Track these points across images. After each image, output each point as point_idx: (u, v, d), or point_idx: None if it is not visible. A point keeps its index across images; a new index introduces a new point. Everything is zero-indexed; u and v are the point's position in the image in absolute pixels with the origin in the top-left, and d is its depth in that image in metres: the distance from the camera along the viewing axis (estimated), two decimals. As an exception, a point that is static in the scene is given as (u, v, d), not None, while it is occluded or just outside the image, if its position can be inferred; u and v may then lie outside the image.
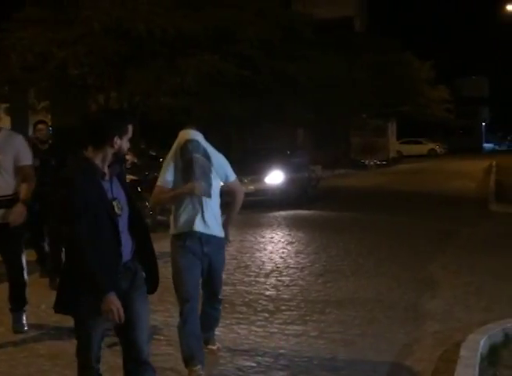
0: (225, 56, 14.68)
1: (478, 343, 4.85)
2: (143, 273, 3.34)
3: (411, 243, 9.92)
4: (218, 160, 4.46)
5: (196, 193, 4.29)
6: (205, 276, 4.52)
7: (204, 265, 4.45)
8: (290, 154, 17.46)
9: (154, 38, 13.69)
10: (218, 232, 4.50)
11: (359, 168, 29.81)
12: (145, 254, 3.36)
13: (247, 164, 14.74)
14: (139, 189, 11.12)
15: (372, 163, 31.29)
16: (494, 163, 28.95)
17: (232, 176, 4.55)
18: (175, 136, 4.52)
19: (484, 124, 60.30)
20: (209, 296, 4.66)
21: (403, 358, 4.87)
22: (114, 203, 3.19)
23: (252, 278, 7.51)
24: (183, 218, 4.38)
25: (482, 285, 7.13)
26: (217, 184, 4.43)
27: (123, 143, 3.25)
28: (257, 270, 7.95)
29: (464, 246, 9.70)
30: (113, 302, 3.08)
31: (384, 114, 32.68)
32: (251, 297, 6.62)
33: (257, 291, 6.88)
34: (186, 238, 4.36)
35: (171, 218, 4.51)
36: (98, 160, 3.20)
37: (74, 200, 3.10)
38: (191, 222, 4.36)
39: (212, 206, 4.42)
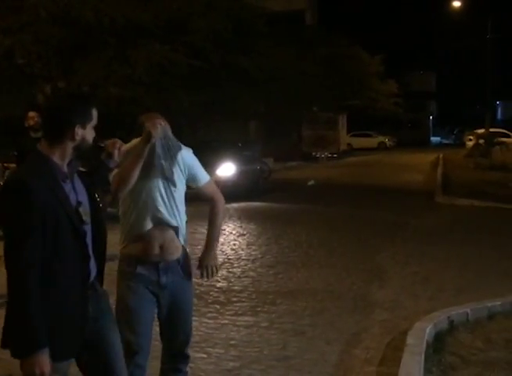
0: (177, 47, 14.53)
1: (424, 331, 4.97)
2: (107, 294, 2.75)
3: (360, 234, 10.07)
4: (188, 159, 3.43)
5: (154, 135, 3.17)
6: (164, 319, 3.35)
7: (163, 302, 3.30)
8: (242, 147, 17.48)
9: (103, 27, 13.43)
10: (184, 253, 3.39)
11: (310, 161, 30.06)
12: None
13: (198, 156, 14.61)
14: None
15: (323, 155, 31.59)
16: (441, 156, 29.66)
17: (205, 178, 3.51)
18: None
19: (431, 117, 61.69)
20: (171, 351, 3.40)
21: (352, 346, 4.95)
22: (80, 209, 2.56)
23: (203, 270, 7.48)
24: (135, 230, 3.27)
25: (429, 275, 7.31)
26: (182, 187, 3.38)
27: (86, 133, 2.60)
28: (208, 262, 7.92)
29: (412, 237, 9.91)
30: (41, 364, 2.37)
31: (335, 107, 33.01)
32: (202, 289, 6.60)
33: (208, 283, 6.85)
34: (138, 263, 3.25)
35: (119, 228, 3.35)
36: (56, 158, 2.53)
37: (26, 214, 2.38)
38: None
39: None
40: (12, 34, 13.23)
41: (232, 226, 11.00)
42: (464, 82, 61.40)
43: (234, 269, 7.55)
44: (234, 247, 9.03)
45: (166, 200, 3.27)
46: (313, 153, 31.75)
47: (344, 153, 36.26)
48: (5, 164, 10.85)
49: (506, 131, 36.87)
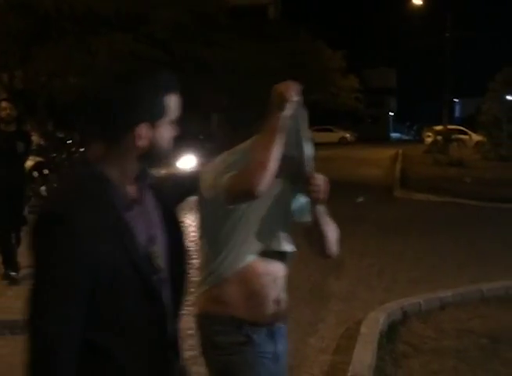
0: (138, 37, 14.41)
1: (378, 321, 5.08)
2: None
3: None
4: None
5: (289, 98, 2.18)
6: None
7: None
8: (204, 139, 17.46)
9: (62, 15, 13.22)
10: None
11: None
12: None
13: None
14: (46, 172, 10.82)
15: (284, 150, 31.72)
16: (400, 151, 30.11)
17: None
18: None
19: (391, 113, 62.59)
20: None
21: (308, 336, 5.03)
22: (153, 249, 1.62)
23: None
24: (233, 265, 2.20)
25: (384, 267, 7.45)
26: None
27: (159, 135, 1.58)
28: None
29: (369, 230, 10.06)
30: None
31: (297, 102, 33.14)
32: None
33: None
34: (247, 325, 2.17)
35: (202, 264, 2.34)
36: (113, 173, 1.57)
37: (65, 266, 1.47)
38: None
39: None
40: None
41: (192, 218, 10.97)
42: (424, 79, 62.49)
43: (193, 262, 7.55)
44: (193, 239, 9.01)
45: (285, 214, 2.22)
46: (275, 147, 31.86)
47: (305, 147, 36.42)
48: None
49: (463, 129, 37.66)
